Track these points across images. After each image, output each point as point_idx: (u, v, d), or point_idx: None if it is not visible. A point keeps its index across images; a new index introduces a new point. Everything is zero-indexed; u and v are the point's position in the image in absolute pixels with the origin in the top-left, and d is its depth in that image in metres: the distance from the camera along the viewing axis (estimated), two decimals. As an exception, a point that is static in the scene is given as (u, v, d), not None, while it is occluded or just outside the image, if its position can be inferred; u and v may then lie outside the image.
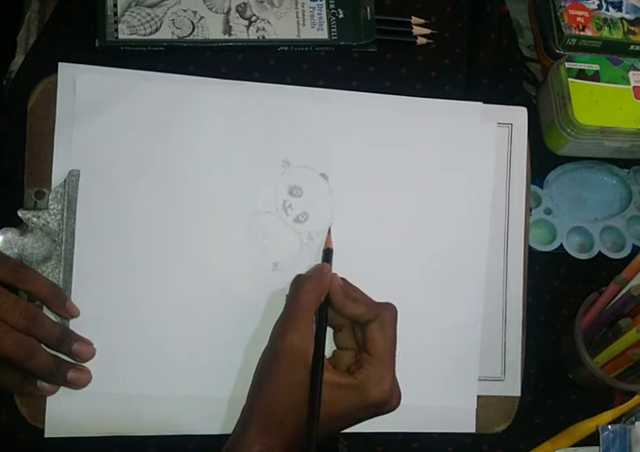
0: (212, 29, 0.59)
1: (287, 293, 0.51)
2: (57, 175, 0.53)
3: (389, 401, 0.49)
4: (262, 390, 0.48)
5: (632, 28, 0.67)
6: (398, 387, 0.50)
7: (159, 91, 0.55)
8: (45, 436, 0.52)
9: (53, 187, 0.53)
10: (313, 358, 0.48)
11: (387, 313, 0.50)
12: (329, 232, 0.56)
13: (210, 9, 0.59)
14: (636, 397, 0.60)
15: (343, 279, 0.52)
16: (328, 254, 0.55)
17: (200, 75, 0.57)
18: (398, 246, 0.58)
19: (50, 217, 0.53)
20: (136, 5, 0.58)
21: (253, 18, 0.60)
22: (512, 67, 0.67)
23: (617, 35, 0.66)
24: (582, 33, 0.66)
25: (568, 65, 0.63)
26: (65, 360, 0.51)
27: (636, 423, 0.59)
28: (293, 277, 0.52)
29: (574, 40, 0.66)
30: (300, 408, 0.46)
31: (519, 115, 0.61)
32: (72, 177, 0.53)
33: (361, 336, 0.50)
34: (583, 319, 0.60)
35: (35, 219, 0.52)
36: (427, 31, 0.63)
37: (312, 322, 0.49)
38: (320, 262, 0.55)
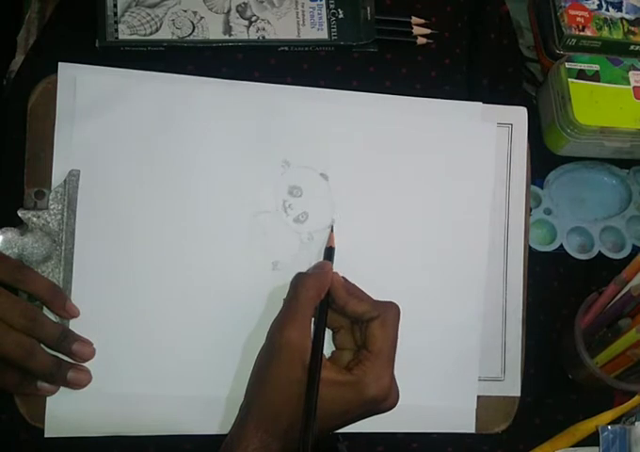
0: (212, 29, 0.59)
1: (287, 292, 0.51)
2: (57, 175, 0.53)
3: (386, 399, 0.49)
4: (259, 386, 0.49)
5: (632, 28, 0.67)
6: (396, 385, 0.50)
7: (159, 91, 0.55)
8: (45, 436, 0.52)
9: (53, 187, 0.53)
10: (312, 354, 0.48)
11: (390, 311, 0.50)
12: (332, 230, 0.56)
13: (210, 10, 0.59)
14: (636, 397, 0.60)
15: (343, 277, 0.52)
16: (329, 253, 0.55)
17: (200, 75, 0.57)
18: (398, 245, 0.58)
19: (50, 217, 0.53)
20: (136, 5, 0.58)
21: (253, 18, 0.60)
22: (512, 67, 0.67)
23: (617, 35, 0.66)
24: (582, 33, 0.66)
25: (568, 65, 0.63)
26: (65, 360, 0.51)
27: (636, 423, 0.59)
28: (292, 277, 0.52)
29: (574, 41, 0.66)
30: (297, 404, 0.46)
31: (519, 115, 0.61)
32: (72, 177, 0.53)
33: (362, 333, 0.51)
34: (582, 319, 0.60)
35: (35, 219, 0.52)
36: (427, 31, 0.63)
37: (310, 319, 0.49)
38: (324, 256, 0.55)
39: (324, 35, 0.61)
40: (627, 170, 0.68)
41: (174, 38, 0.58)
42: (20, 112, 0.55)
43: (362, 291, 0.52)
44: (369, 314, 0.50)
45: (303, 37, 0.60)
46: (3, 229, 0.52)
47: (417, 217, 0.58)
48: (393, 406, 0.50)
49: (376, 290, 0.52)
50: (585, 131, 0.62)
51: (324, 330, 0.50)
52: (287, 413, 0.47)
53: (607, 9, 0.67)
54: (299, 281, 0.51)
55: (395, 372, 0.50)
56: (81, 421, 0.53)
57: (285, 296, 0.51)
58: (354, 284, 0.52)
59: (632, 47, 0.67)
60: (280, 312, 0.50)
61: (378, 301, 0.51)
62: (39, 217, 0.52)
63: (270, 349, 0.49)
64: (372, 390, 0.48)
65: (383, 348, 0.49)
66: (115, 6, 0.58)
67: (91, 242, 0.53)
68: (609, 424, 0.59)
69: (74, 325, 0.52)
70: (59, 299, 0.51)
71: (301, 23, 0.60)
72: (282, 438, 0.47)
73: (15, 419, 0.53)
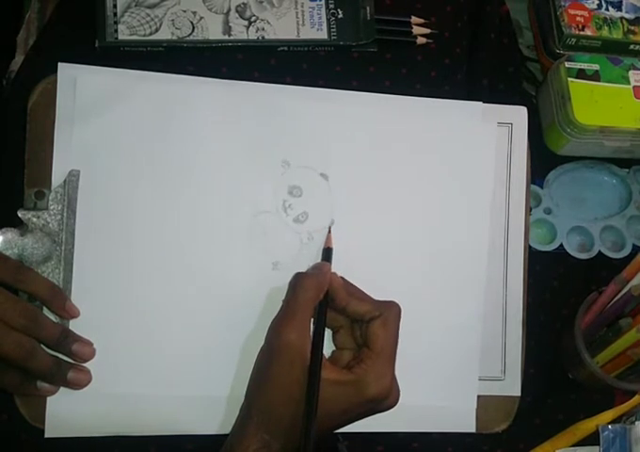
0: (211, 29, 0.59)
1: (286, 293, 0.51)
2: (57, 175, 0.53)
3: (387, 398, 0.49)
4: (259, 387, 0.49)
5: (632, 28, 0.67)
6: (397, 385, 0.50)
7: (159, 92, 0.55)
8: (45, 436, 0.52)
9: (53, 187, 0.53)
10: (312, 355, 0.48)
11: (391, 310, 0.50)
12: (330, 231, 0.56)
13: (209, 10, 0.59)
14: (636, 397, 0.60)
15: (342, 277, 0.52)
16: (328, 253, 0.55)
17: (200, 75, 0.57)
18: (398, 246, 0.58)
19: (50, 217, 0.53)
20: (135, 5, 0.58)
21: (253, 18, 0.60)
22: (512, 67, 0.67)
23: (617, 34, 0.66)
24: (581, 33, 0.66)
25: (567, 65, 0.63)
26: (65, 360, 0.51)
27: (636, 423, 0.59)
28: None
29: (574, 40, 0.66)
30: (298, 405, 0.46)
31: (519, 115, 0.61)
32: (72, 177, 0.53)
33: (363, 333, 0.51)
34: (583, 319, 0.60)
35: (35, 220, 0.52)
36: (427, 31, 0.63)
37: (309, 320, 0.49)
38: (320, 261, 0.55)
39: (323, 35, 0.61)
40: (627, 170, 0.68)
41: (174, 38, 0.58)
42: (20, 112, 0.55)
43: (362, 291, 0.52)
44: (370, 314, 0.50)
45: (303, 37, 0.60)
46: (3, 229, 0.52)
47: (417, 217, 0.58)
48: (394, 405, 0.50)
49: (376, 290, 0.52)
50: (585, 130, 0.62)
51: (323, 331, 0.50)
52: (288, 414, 0.47)
53: (607, 9, 0.67)
54: (298, 281, 0.51)
55: (396, 372, 0.50)
56: (81, 421, 0.53)
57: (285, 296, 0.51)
58: (353, 284, 0.52)
59: (631, 46, 0.67)
60: (279, 312, 0.50)
61: (379, 301, 0.51)
62: (39, 217, 0.52)
63: (269, 350, 0.49)
64: (373, 389, 0.48)
65: (384, 347, 0.49)
66: (115, 6, 0.58)
67: (91, 242, 0.53)
68: (609, 423, 0.59)
69: (74, 325, 0.52)
70: (59, 299, 0.51)
71: (301, 23, 0.60)
72: (283, 438, 0.47)
73: (15, 419, 0.53)
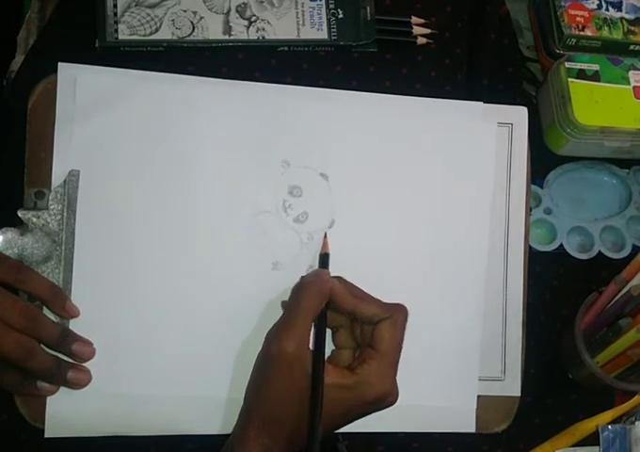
0: (212, 29, 0.59)
1: (286, 293, 0.51)
2: (57, 175, 0.53)
3: (388, 398, 0.49)
4: (259, 393, 0.48)
5: (632, 28, 0.67)
6: (397, 385, 0.50)
7: (159, 91, 0.55)
8: (45, 436, 0.52)
9: (53, 187, 0.53)
10: (314, 364, 0.47)
11: (400, 313, 0.50)
12: (325, 236, 0.56)
13: (210, 10, 0.59)
14: (636, 397, 0.60)
15: (343, 279, 0.52)
16: (325, 259, 0.54)
17: (201, 75, 0.57)
18: (398, 246, 0.58)
19: (50, 217, 0.53)
20: (135, 5, 0.58)
21: (253, 18, 0.60)
22: (512, 67, 0.67)
23: (617, 35, 0.66)
24: (582, 33, 0.66)
25: (567, 65, 0.63)
26: (65, 360, 0.51)
27: (636, 423, 0.59)
28: (293, 276, 0.52)
29: (574, 40, 0.66)
30: (299, 410, 0.46)
31: (519, 115, 0.61)
32: (72, 177, 0.53)
33: (367, 333, 0.50)
34: (583, 319, 0.60)
35: (35, 219, 0.52)
36: (427, 31, 0.63)
37: (309, 328, 0.49)
38: (317, 268, 0.55)
39: (323, 35, 0.61)
40: (627, 170, 0.68)
41: (174, 38, 0.58)
42: (20, 112, 0.55)
43: (367, 293, 0.52)
44: (379, 316, 0.50)
45: (303, 37, 0.60)
46: (3, 229, 0.52)
47: (417, 217, 0.58)
48: (393, 403, 0.50)
49: (376, 290, 0.52)
50: (585, 131, 0.62)
51: (324, 340, 0.49)
52: (290, 419, 0.47)
53: (607, 9, 0.67)
54: (300, 289, 0.50)
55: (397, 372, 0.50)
56: (81, 421, 0.53)
57: (285, 297, 0.51)
58: (357, 287, 0.52)
59: (631, 47, 0.67)
60: (279, 320, 0.50)
61: (388, 303, 0.51)
62: (39, 217, 0.52)
63: (268, 358, 0.48)
64: (375, 390, 0.48)
65: (390, 349, 0.49)
66: (115, 6, 0.58)
67: (91, 242, 0.53)
68: (609, 423, 0.59)
69: (74, 325, 0.52)
70: (59, 299, 0.51)
71: (301, 23, 0.60)
72: (284, 442, 0.47)
73: (15, 419, 0.53)
